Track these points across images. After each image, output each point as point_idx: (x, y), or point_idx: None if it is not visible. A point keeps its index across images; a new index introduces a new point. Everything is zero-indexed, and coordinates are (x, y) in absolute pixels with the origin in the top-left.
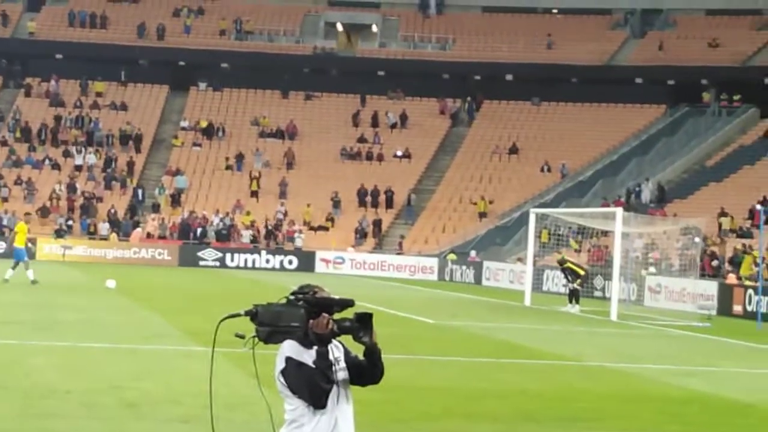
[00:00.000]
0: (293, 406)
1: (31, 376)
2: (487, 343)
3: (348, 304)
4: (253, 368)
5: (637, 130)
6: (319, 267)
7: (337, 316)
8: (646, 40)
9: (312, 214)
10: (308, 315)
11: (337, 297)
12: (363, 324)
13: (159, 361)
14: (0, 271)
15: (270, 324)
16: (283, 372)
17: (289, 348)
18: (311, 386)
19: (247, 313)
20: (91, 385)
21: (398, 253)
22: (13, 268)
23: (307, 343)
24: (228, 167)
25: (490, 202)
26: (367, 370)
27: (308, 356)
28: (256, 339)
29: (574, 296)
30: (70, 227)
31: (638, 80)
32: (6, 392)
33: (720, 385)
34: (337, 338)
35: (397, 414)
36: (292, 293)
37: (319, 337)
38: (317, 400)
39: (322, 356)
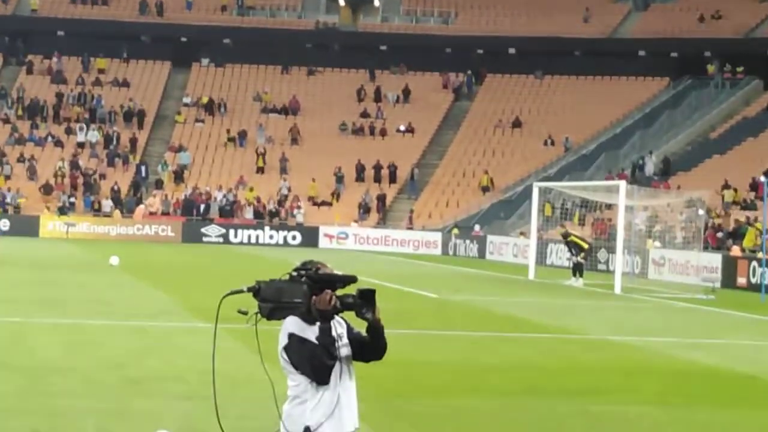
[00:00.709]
0: (296, 382)
1: (35, 354)
2: (491, 317)
3: (351, 280)
4: (256, 344)
5: (641, 103)
6: (323, 242)
7: (340, 292)
8: (649, 13)
9: (317, 189)
10: (311, 291)
11: (340, 273)
12: (366, 300)
13: (162, 338)
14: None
15: (273, 300)
16: (286, 348)
17: (292, 324)
18: (314, 362)
19: (249, 290)
20: (94, 362)
21: (408, 228)
22: None
23: (310, 320)
24: (230, 139)
25: (494, 177)
26: (370, 347)
27: (311, 332)
28: (259, 315)
29: (577, 270)
30: (73, 204)
31: (641, 53)
32: (9, 370)
33: (724, 357)
34: (340, 314)
35: (400, 389)
36: (295, 269)
37: (322, 314)
38: (320, 377)
39: (325, 332)
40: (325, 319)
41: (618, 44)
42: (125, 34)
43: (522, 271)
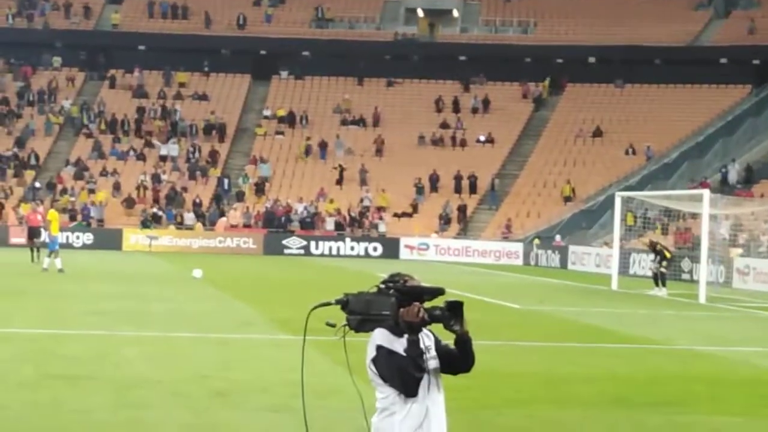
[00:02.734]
0: (385, 394)
1: (122, 367)
2: (575, 327)
3: (439, 292)
4: (342, 356)
5: (723, 111)
6: (404, 253)
7: (427, 304)
8: (731, 20)
9: (390, 200)
10: (399, 303)
11: (427, 285)
12: (454, 312)
13: (247, 350)
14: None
15: (361, 312)
16: (374, 360)
17: (381, 336)
18: (402, 375)
19: (338, 302)
20: (180, 374)
21: (504, 238)
22: (48, 256)
23: (397, 332)
24: (307, 150)
25: (575, 187)
26: (458, 359)
27: (399, 345)
28: (347, 327)
29: (660, 279)
30: (158, 218)
31: (723, 60)
32: (97, 383)
33: None
34: (428, 327)
35: (486, 400)
36: (383, 282)
37: (410, 326)
38: (409, 389)
39: (414, 345)
40: (413, 332)
41: (699, 52)
42: (205, 48)
43: (605, 281)
